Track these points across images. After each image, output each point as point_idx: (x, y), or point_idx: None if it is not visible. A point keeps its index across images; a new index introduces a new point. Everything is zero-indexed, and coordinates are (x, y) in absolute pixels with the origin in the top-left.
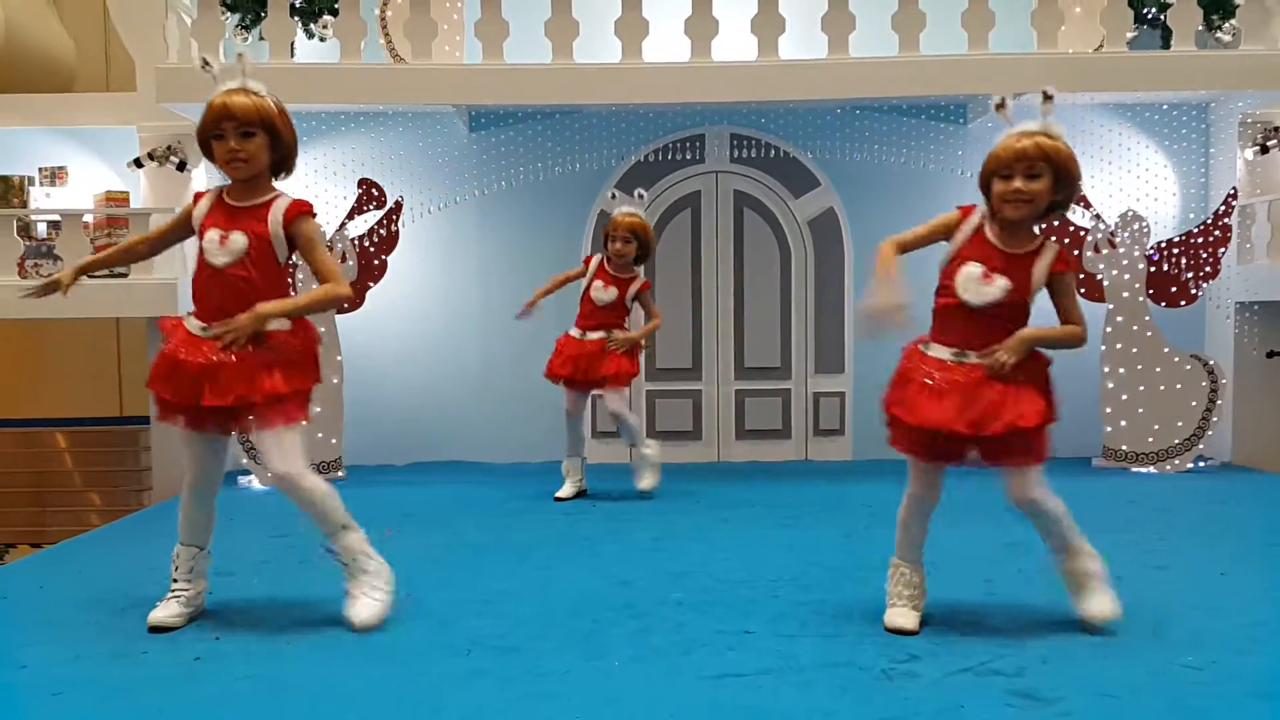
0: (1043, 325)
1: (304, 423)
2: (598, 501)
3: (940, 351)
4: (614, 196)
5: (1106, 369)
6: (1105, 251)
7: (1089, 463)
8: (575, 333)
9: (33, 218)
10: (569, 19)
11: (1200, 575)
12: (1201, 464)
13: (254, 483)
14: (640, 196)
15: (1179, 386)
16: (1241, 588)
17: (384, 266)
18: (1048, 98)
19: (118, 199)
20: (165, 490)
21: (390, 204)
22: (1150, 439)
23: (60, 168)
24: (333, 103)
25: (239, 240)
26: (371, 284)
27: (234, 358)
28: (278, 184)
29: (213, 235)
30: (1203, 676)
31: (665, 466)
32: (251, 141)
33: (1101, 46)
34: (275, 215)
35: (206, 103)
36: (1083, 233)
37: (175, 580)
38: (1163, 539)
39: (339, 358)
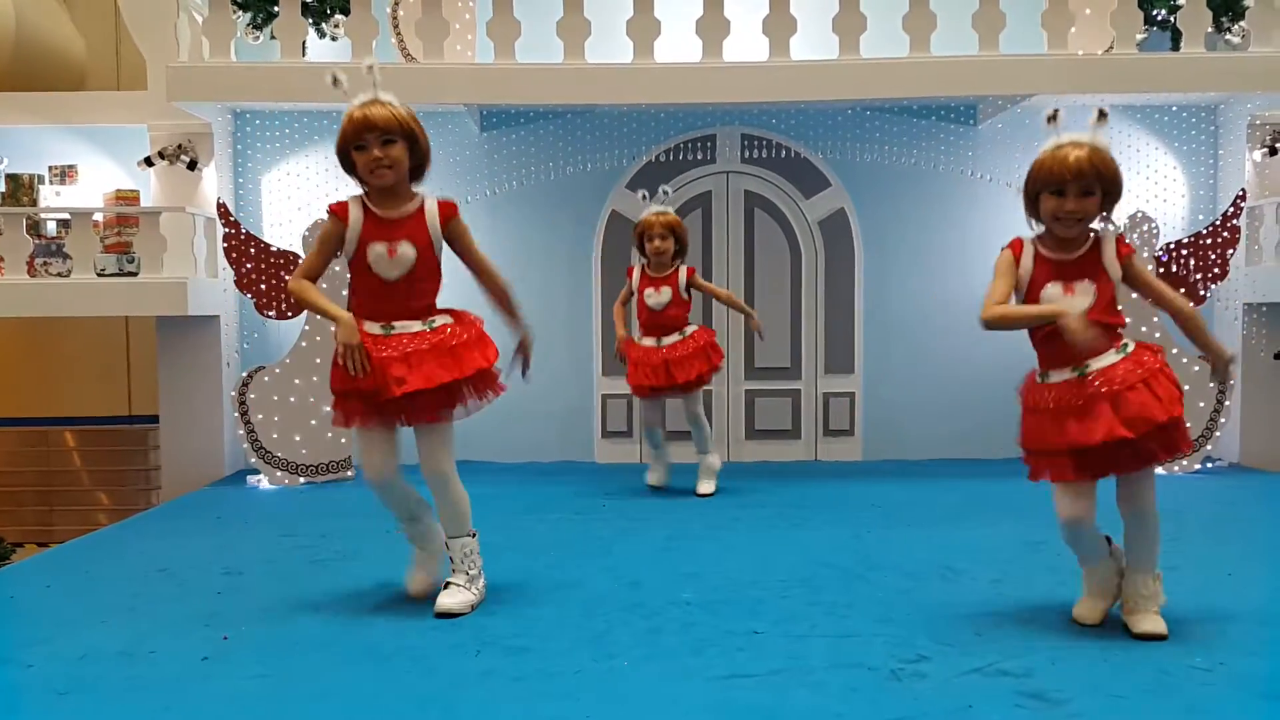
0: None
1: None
2: (608, 500)
3: (1061, 374)
4: (645, 198)
5: None
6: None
7: None
8: (649, 342)
9: (43, 216)
10: (581, 19)
11: (1209, 576)
12: (1209, 465)
13: (263, 483)
14: (666, 194)
15: (1187, 388)
16: (1250, 589)
17: None
18: (1103, 115)
19: (128, 197)
20: (174, 490)
21: None
22: None
23: (70, 166)
24: (345, 101)
25: (408, 252)
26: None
27: (422, 345)
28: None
29: (379, 249)
30: (1212, 678)
31: (677, 466)
32: (394, 148)
33: (1111, 48)
34: (432, 220)
35: (345, 117)
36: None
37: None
38: (1171, 540)
39: None
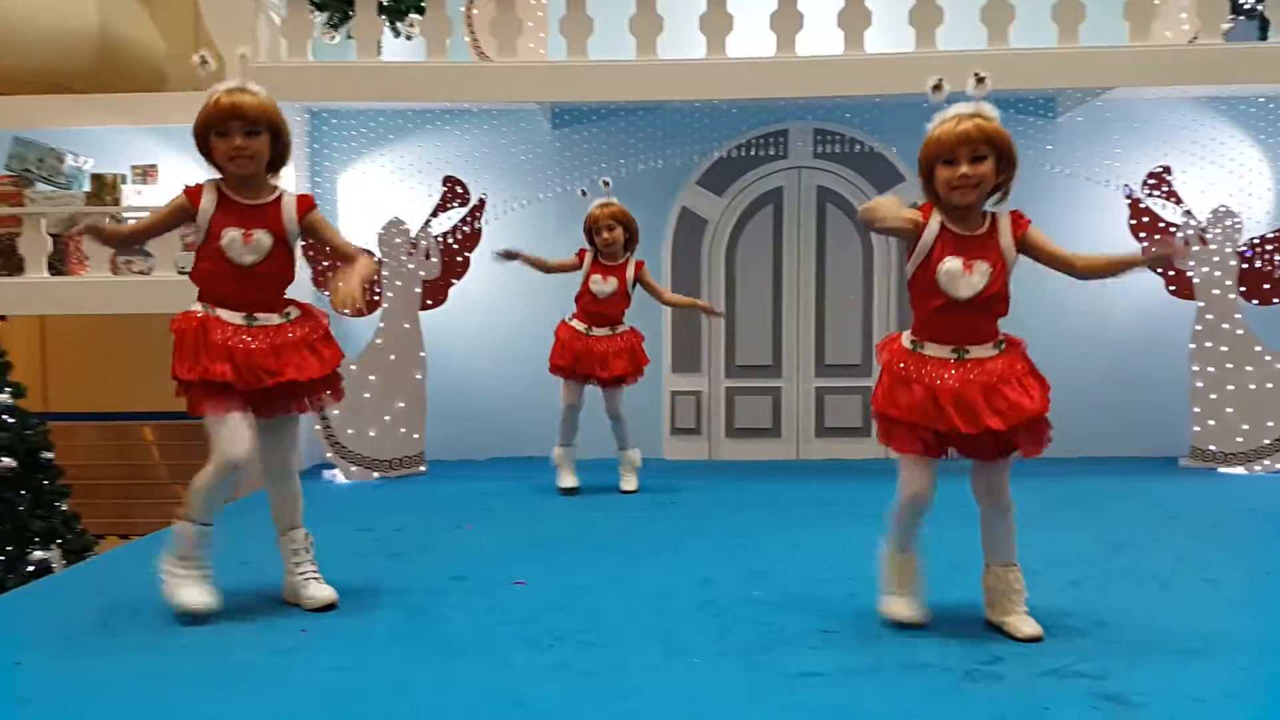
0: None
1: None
2: (677, 497)
3: (939, 350)
4: (584, 194)
5: (1195, 367)
6: (1196, 248)
7: (1176, 463)
8: (580, 326)
9: (125, 215)
10: (653, 15)
11: None
12: None
13: (338, 477)
14: (606, 184)
15: (1270, 385)
16: None
17: (467, 263)
18: (980, 80)
19: None
20: (253, 484)
21: (474, 201)
22: (1239, 439)
23: (151, 165)
24: (418, 100)
25: (264, 239)
26: (454, 280)
27: (288, 338)
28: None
29: (234, 234)
30: None
31: (747, 464)
32: (258, 140)
33: (1196, 38)
34: (289, 213)
35: (210, 99)
36: (1172, 229)
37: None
38: (1254, 542)
39: (422, 354)
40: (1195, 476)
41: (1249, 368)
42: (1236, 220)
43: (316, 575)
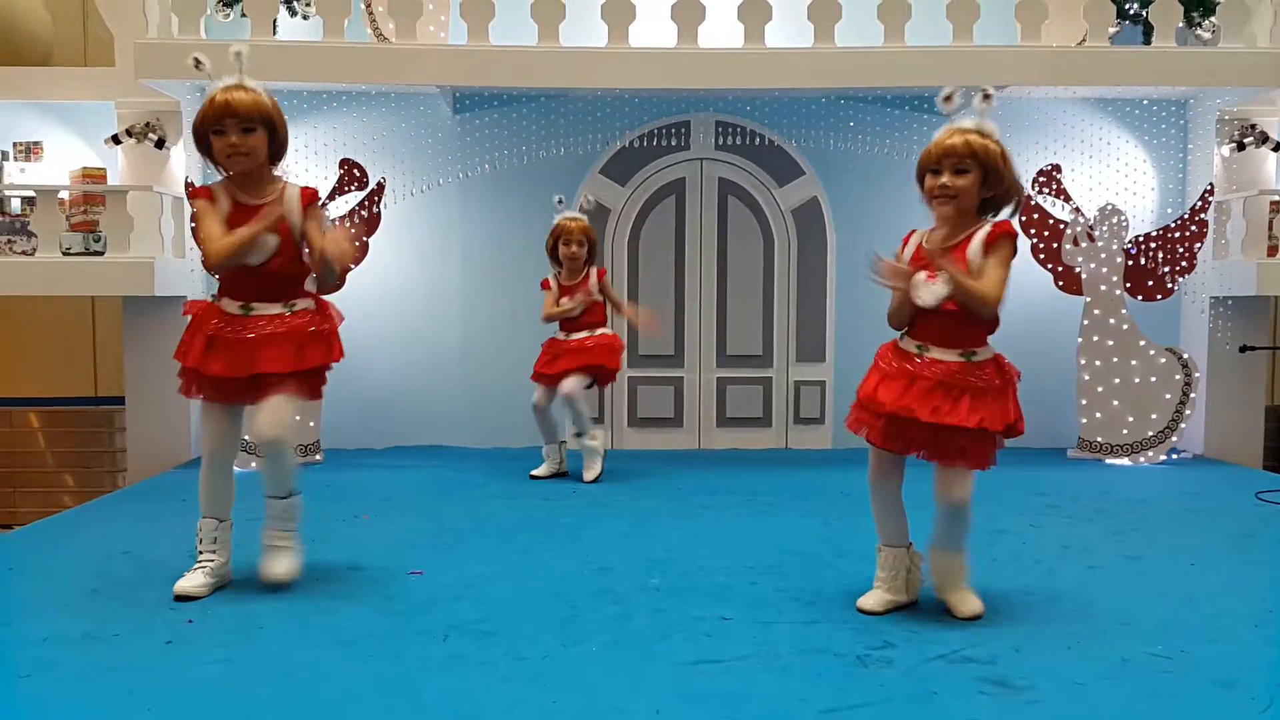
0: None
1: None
2: (579, 486)
3: (909, 345)
4: (560, 202)
5: (1083, 361)
6: (1084, 245)
7: (1064, 453)
8: (560, 335)
9: (6, 193)
10: (556, 2)
11: (1170, 565)
12: (1174, 456)
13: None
14: (588, 200)
15: (1154, 380)
16: (1210, 578)
17: (365, 248)
18: (987, 97)
19: (94, 176)
20: (140, 472)
21: (372, 185)
22: (1125, 431)
23: (36, 143)
24: (315, 81)
25: (270, 240)
26: (353, 265)
27: (279, 328)
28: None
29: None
30: (1171, 665)
31: (647, 453)
32: (253, 136)
33: (1084, 41)
34: (293, 205)
35: (207, 99)
36: (1062, 226)
37: (200, 552)
38: (1135, 530)
39: None
40: (1082, 467)
41: (1134, 362)
42: (1122, 218)
43: (277, 546)
